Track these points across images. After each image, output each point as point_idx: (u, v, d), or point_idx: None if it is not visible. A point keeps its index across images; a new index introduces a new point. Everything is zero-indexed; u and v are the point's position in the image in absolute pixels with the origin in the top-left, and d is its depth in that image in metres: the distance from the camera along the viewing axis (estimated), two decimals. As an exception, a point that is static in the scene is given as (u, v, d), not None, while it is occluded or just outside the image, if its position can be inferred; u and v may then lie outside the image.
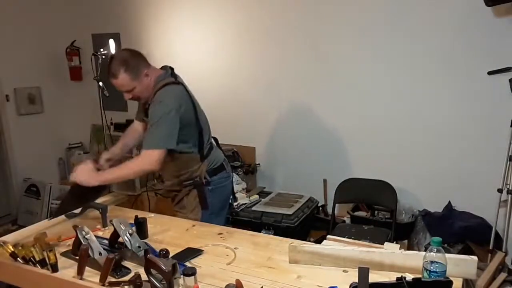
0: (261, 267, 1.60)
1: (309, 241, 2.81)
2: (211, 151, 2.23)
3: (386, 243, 1.73)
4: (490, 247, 2.73)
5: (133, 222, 1.87)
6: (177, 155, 2.10)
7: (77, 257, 1.54)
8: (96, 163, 2.11)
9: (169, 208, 2.40)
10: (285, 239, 1.84)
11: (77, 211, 2.14)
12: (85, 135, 4.72)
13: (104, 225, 2.00)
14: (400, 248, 1.65)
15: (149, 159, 1.96)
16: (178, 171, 2.16)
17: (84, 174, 1.98)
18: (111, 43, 3.96)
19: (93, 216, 2.10)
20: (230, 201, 2.42)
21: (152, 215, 2.16)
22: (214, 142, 2.32)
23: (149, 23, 4.05)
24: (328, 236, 1.87)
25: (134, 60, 2.03)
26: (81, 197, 2.08)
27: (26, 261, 1.63)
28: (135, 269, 1.57)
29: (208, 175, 2.18)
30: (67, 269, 1.60)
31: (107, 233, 1.88)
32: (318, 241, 2.35)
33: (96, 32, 4.35)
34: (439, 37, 2.91)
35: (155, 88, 2.05)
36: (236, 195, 3.22)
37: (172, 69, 2.17)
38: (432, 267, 1.33)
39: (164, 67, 2.17)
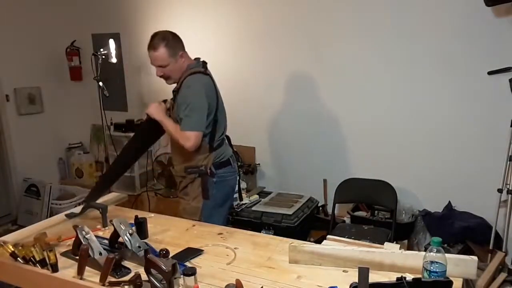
0: (261, 267, 1.60)
1: (309, 241, 2.82)
2: (221, 146, 2.33)
3: (386, 243, 1.73)
4: (490, 247, 2.73)
5: (133, 222, 1.87)
6: None
7: (77, 257, 1.54)
8: (164, 105, 2.30)
9: (169, 208, 2.42)
10: (285, 239, 1.84)
11: (77, 211, 2.14)
12: (85, 135, 4.72)
13: (104, 225, 2.00)
14: (400, 248, 1.65)
15: (187, 138, 2.13)
16: (185, 156, 2.25)
17: (158, 110, 2.22)
18: (111, 43, 3.96)
19: (93, 216, 2.10)
20: (235, 196, 2.50)
21: (152, 215, 2.16)
22: (226, 139, 2.42)
23: (149, 23, 4.04)
24: (328, 236, 1.87)
25: (175, 39, 2.23)
26: (146, 136, 2.33)
27: (26, 261, 1.63)
28: (135, 269, 1.58)
29: (214, 167, 2.27)
30: (67, 269, 1.60)
31: (107, 233, 1.88)
32: (318, 241, 2.36)
33: (96, 32, 4.35)
34: (439, 37, 2.91)
35: (185, 73, 2.21)
36: (237, 194, 3.23)
37: (204, 62, 2.33)
38: (432, 267, 1.33)
39: (197, 59, 2.33)
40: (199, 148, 2.22)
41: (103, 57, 3.82)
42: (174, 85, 2.32)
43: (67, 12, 4.41)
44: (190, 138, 2.13)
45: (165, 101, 2.33)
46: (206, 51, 3.79)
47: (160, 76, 2.26)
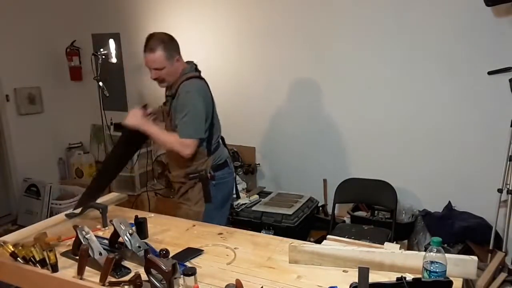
0: (261, 267, 1.60)
1: (309, 241, 2.81)
2: (218, 148, 2.32)
3: (386, 243, 1.73)
4: (490, 247, 2.73)
5: (133, 222, 1.87)
6: None
7: (77, 257, 1.54)
8: (145, 111, 2.20)
9: (169, 208, 2.41)
10: (285, 239, 1.84)
11: (77, 211, 2.14)
12: (85, 135, 4.72)
13: (104, 225, 2.00)
14: (400, 248, 1.65)
15: (185, 145, 2.09)
16: (184, 162, 2.22)
17: (137, 118, 2.12)
18: (111, 43, 3.96)
19: (93, 216, 2.10)
20: (234, 195, 2.47)
21: (152, 215, 2.16)
22: (221, 141, 2.40)
23: (149, 23, 4.04)
24: (328, 236, 1.87)
25: (172, 43, 2.18)
26: (127, 146, 2.20)
27: (26, 261, 1.63)
28: (135, 269, 1.58)
29: (213, 170, 2.26)
30: (67, 269, 1.60)
31: (107, 233, 1.88)
32: (318, 241, 2.36)
33: (96, 32, 4.35)
34: (439, 37, 2.91)
35: (180, 78, 2.18)
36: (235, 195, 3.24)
37: (195, 65, 2.29)
38: (432, 267, 1.33)
39: (189, 62, 2.28)
40: (198, 153, 2.20)
41: (103, 57, 3.82)
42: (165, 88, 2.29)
43: (67, 12, 4.41)
44: (189, 145, 2.10)
45: (145, 106, 2.25)
46: (206, 51, 3.82)
47: (154, 79, 2.20)
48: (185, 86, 2.15)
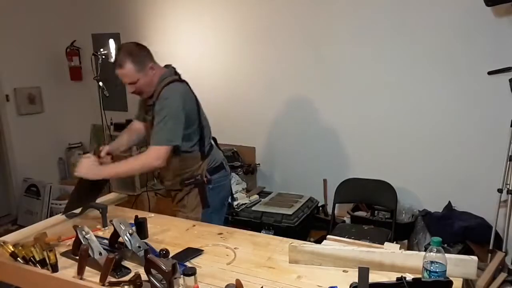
0: (261, 267, 1.60)
1: (309, 241, 2.81)
2: (211, 151, 2.25)
3: (386, 243, 1.73)
4: (490, 247, 2.73)
5: (133, 222, 1.87)
6: (179, 154, 2.11)
7: (77, 257, 1.54)
8: (99, 157, 2.13)
9: (169, 208, 2.40)
10: (285, 239, 1.84)
11: (77, 211, 2.14)
12: (85, 135, 4.72)
13: (104, 225, 2.00)
14: (400, 248, 1.65)
15: (156, 155, 1.99)
16: (180, 170, 2.17)
17: (87, 167, 2.01)
18: (111, 43, 3.96)
19: (93, 216, 2.10)
20: (229, 201, 2.43)
21: (152, 215, 2.16)
22: (213, 142, 2.33)
23: (149, 23, 4.05)
24: (328, 236, 1.87)
25: (141, 52, 2.06)
26: (86, 193, 2.09)
27: (26, 261, 1.63)
28: (135, 269, 1.57)
29: (209, 173, 2.20)
30: (67, 269, 1.60)
31: (107, 233, 1.88)
32: (318, 241, 2.35)
33: (96, 32, 4.36)
34: (439, 37, 2.91)
35: (159, 85, 2.08)
36: (236, 195, 3.23)
37: (174, 68, 2.20)
38: (432, 267, 1.33)
39: (167, 66, 2.20)
40: (192, 158, 2.15)
41: (103, 57, 3.82)
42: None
43: (67, 12, 4.41)
44: (159, 155, 1.98)
45: (98, 149, 2.16)
46: (206, 51, 3.82)
47: (133, 93, 2.11)
48: (165, 92, 2.04)
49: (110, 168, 2.07)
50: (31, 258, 1.60)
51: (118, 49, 2.09)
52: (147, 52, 2.10)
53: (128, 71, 2.02)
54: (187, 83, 2.18)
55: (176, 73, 2.17)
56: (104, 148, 2.19)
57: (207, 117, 2.27)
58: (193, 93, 2.17)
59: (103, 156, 2.16)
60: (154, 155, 1.99)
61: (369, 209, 3.22)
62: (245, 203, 3.25)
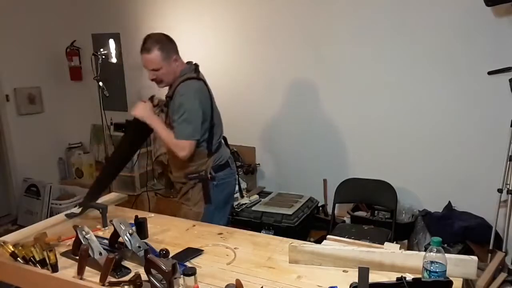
0: (261, 267, 1.60)
1: (309, 241, 2.82)
2: (219, 149, 2.30)
3: (386, 243, 1.73)
4: (490, 247, 2.73)
5: (133, 222, 1.87)
6: None
7: (77, 257, 1.54)
8: (152, 104, 2.20)
9: (169, 208, 2.41)
10: (285, 239, 1.84)
11: (77, 211, 2.14)
12: (85, 135, 4.72)
13: (104, 225, 2.00)
14: (400, 248, 1.65)
15: (182, 147, 2.09)
16: (184, 163, 2.21)
17: (146, 110, 2.12)
18: (111, 43, 3.96)
19: (93, 216, 2.10)
20: (236, 196, 2.46)
21: (152, 215, 2.16)
22: (223, 141, 2.39)
23: (149, 23, 4.04)
24: (328, 236, 1.87)
25: (169, 43, 2.15)
26: (132, 140, 2.23)
27: (26, 261, 1.63)
28: (135, 269, 1.57)
29: (214, 171, 2.24)
30: (67, 269, 1.60)
31: (107, 233, 1.88)
32: (318, 241, 2.36)
33: (96, 32, 4.35)
34: (439, 37, 2.91)
35: (178, 78, 2.16)
36: (237, 194, 3.23)
37: (196, 65, 2.26)
38: (432, 267, 1.33)
39: (189, 62, 2.26)
40: (198, 154, 2.19)
41: (103, 57, 3.83)
42: (166, 88, 2.27)
43: (67, 12, 4.41)
44: (184, 147, 2.09)
45: (152, 97, 2.25)
46: (206, 51, 3.82)
47: (152, 80, 2.19)
48: (182, 88, 2.13)
49: (159, 123, 2.14)
50: (31, 258, 1.60)
51: (147, 36, 2.15)
52: (174, 44, 2.18)
53: (154, 57, 2.10)
54: (204, 82, 2.24)
55: (196, 71, 2.24)
56: (156, 98, 2.26)
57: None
58: (209, 91, 2.24)
59: (156, 104, 2.24)
60: (180, 146, 2.09)
61: (369, 209, 3.22)
62: (245, 203, 3.25)
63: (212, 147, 2.24)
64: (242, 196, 2.99)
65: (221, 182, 2.28)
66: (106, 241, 1.74)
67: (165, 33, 2.21)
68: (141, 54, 2.14)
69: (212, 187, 2.25)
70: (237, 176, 2.48)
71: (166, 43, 2.13)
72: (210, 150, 2.24)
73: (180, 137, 2.09)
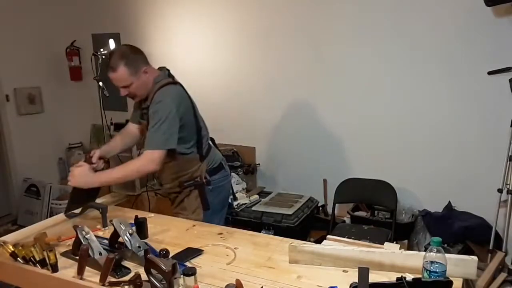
0: (261, 267, 1.60)
1: (309, 241, 2.81)
2: (209, 151, 2.24)
3: (386, 243, 1.73)
4: (490, 247, 2.73)
5: (133, 222, 1.87)
6: (177, 156, 2.10)
7: (77, 257, 1.54)
8: (90, 163, 2.09)
9: (169, 208, 2.40)
10: (285, 239, 1.84)
11: (77, 211, 2.14)
12: (85, 135, 4.72)
13: (104, 225, 2.00)
14: (400, 248, 1.65)
15: (150, 159, 1.96)
16: (178, 172, 2.16)
17: (79, 176, 1.99)
18: (111, 43, 3.96)
19: (93, 216, 2.10)
20: (230, 201, 2.42)
21: (152, 215, 2.16)
22: (211, 142, 2.32)
23: (149, 23, 4.05)
24: (328, 236, 1.87)
25: (134, 55, 2.03)
26: (82, 197, 2.08)
27: (26, 261, 1.62)
28: (135, 269, 1.57)
29: (208, 174, 2.18)
30: (67, 269, 1.60)
31: (107, 233, 1.88)
32: (318, 241, 2.35)
33: (96, 32, 4.35)
34: (439, 37, 2.91)
35: (153, 88, 2.06)
36: (236, 195, 3.23)
37: (168, 70, 2.17)
38: (432, 267, 1.33)
39: (160, 68, 2.17)
40: (190, 161, 2.13)
41: (103, 57, 3.82)
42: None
43: (67, 12, 4.41)
44: (154, 159, 1.95)
45: (89, 156, 2.12)
46: (206, 51, 3.82)
47: (125, 95, 2.09)
48: (158, 96, 2.01)
49: (104, 174, 2.04)
50: (31, 258, 1.60)
51: (112, 52, 2.06)
52: (141, 55, 2.07)
53: (121, 75, 1.99)
54: (181, 85, 2.15)
55: (170, 75, 2.15)
56: (95, 153, 2.15)
57: (206, 117, 2.26)
58: (187, 94, 2.14)
59: (96, 162, 2.13)
60: (149, 159, 1.96)
61: (369, 209, 3.22)
62: (245, 203, 3.25)
63: (202, 151, 2.17)
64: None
65: (217, 186, 2.22)
66: (106, 241, 1.74)
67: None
68: (108, 73, 2.03)
69: (208, 192, 2.18)
70: (231, 178, 2.40)
71: (131, 57, 2.01)
72: (201, 154, 2.16)
73: (150, 147, 1.97)
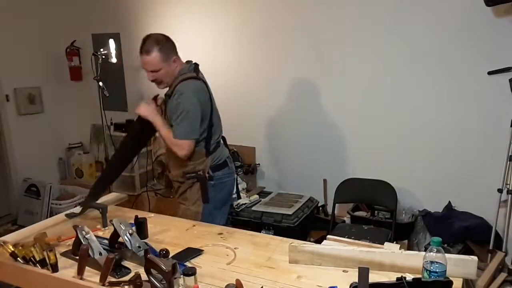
0: (261, 267, 1.60)
1: (309, 241, 2.82)
2: (217, 148, 2.30)
3: (386, 243, 1.73)
4: (490, 247, 2.73)
5: (133, 222, 1.87)
6: None
7: (77, 257, 1.54)
8: (156, 104, 2.23)
9: (169, 208, 2.41)
10: (285, 239, 1.84)
11: (77, 211, 2.14)
12: (85, 135, 4.72)
13: (104, 225, 2.00)
14: (400, 248, 1.65)
15: (180, 146, 2.11)
16: (183, 162, 2.22)
17: (148, 109, 2.16)
18: (111, 43, 3.96)
19: (93, 216, 2.10)
20: (234, 196, 2.46)
21: (152, 215, 2.16)
22: (222, 141, 2.39)
23: (149, 23, 4.05)
24: (328, 236, 1.87)
25: (168, 43, 2.15)
26: (138, 135, 2.25)
27: (26, 261, 1.63)
28: (135, 269, 1.58)
29: (212, 170, 2.25)
30: (67, 269, 1.60)
31: (107, 233, 1.88)
32: (318, 241, 2.36)
33: (96, 32, 4.35)
34: (439, 37, 2.91)
35: (177, 79, 2.16)
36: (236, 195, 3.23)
37: (196, 64, 2.26)
38: (432, 267, 1.33)
39: (188, 62, 2.26)
40: (196, 153, 2.19)
41: (103, 57, 3.82)
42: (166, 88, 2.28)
43: (67, 12, 4.41)
44: (183, 147, 2.10)
45: (156, 97, 2.26)
46: (206, 51, 3.82)
47: (152, 81, 2.19)
48: (181, 88, 2.13)
49: (162, 122, 2.16)
50: (31, 258, 1.60)
51: (146, 37, 2.14)
52: (173, 44, 2.18)
53: (153, 59, 2.09)
54: (204, 81, 2.23)
55: (195, 70, 2.23)
56: (160, 98, 2.27)
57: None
58: (208, 91, 2.24)
59: (160, 105, 2.24)
60: (179, 145, 2.11)
61: (369, 209, 3.22)
62: (245, 203, 3.25)
63: (210, 146, 2.24)
64: (239, 197, 2.98)
65: (219, 182, 2.29)
66: (106, 241, 1.74)
67: (164, 33, 2.21)
68: (140, 55, 2.13)
69: (210, 186, 2.25)
70: (235, 176, 2.47)
71: (165, 44, 2.12)
72: (208, 150, 2.24)
73: (178, 137, 2.10)
